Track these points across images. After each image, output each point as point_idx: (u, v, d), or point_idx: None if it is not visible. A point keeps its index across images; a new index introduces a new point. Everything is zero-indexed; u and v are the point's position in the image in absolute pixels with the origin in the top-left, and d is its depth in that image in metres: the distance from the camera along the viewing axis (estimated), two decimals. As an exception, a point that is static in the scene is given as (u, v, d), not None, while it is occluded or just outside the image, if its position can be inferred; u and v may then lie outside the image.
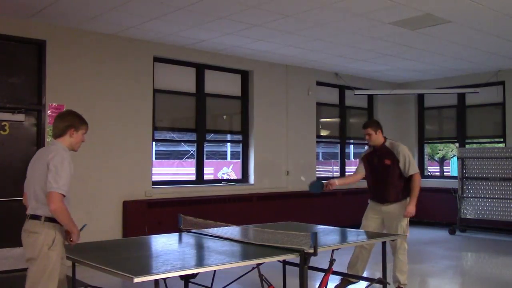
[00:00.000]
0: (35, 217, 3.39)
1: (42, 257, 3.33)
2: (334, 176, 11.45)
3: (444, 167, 20.98)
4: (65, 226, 3.43)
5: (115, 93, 7.23)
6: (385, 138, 5.44)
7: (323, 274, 4.30)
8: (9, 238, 5.86)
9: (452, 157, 18.96)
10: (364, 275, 5.43)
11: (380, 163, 5.34)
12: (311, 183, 5.50)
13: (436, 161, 20.97)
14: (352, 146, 11.79)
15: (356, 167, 5.77)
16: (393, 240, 5.14)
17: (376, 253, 5.35)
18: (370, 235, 4.90)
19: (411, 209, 5.19)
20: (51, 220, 3.38)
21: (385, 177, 5.31)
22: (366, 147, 11.24)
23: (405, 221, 5.28)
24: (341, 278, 5.48)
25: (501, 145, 10.05)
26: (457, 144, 10.79)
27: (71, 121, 3.58)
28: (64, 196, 3.34)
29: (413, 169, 5.27)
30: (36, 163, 3.51)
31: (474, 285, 6.18)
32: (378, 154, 5.38)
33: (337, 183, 5.46)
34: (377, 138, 5.36)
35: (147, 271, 3.10)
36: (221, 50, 8.18)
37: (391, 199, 5.28)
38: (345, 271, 5.35)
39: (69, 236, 3.48)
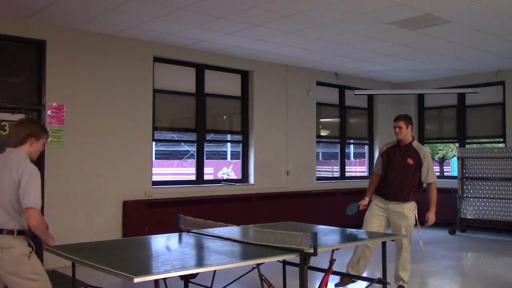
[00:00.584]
0: (7, 231, 3.31)
1: (25, 265, 3.31)
2: (334, 176, 11.44)
3: (444, 167, 20.98)
4: (42, 237, 3.44)
5: (115, 93, 7.23)
6: (413, 138, 5.39)
7: (323, 274, 4.30)
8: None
9: (452, 157, 18.96)
10: (364, 275, 5.43)
11: (403, 161, 5.26)
12: (348, 207, 5.41)
13: (436, 161, 20.96)
14: (352, 146, 11.79)
15: (375, 164, 5.64)
16: (393, 240, 5.15)
17: (376, 253, 5.35)
18: (371, 235, 4.89)
19: (433, 217, 5.26)
20: (22, 233, 3.38)
21: (403, 176, 5.24)
22: (367, 147, 11.35)
23: (412, 223, 5.26)
24: (341, 278, 5.48)
25: (501, 145, 10.05)
26: (457, 144, 10.79)
27: (32, 129, 3.51)
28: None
29: (433, 177, 5.30)
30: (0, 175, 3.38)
31: (474, 285, 6.18)
32: (403, 151, 5.31)
33: (368, 199, 5.41)
34: (407, 133, 5.29)
35: (147, 271, 3.10)
36: (221, 50, 8.18)
37: (401, 199, 5.25)
38: (344, 271, 5.34)
39: (44, 243, 3.51)
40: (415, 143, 5.38)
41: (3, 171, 3.37)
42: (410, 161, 5.24)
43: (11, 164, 3.36)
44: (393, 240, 5.17)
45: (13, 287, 3.31)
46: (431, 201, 5.30)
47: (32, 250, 3.39)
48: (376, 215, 5.36)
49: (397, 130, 5.28)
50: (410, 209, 5.27)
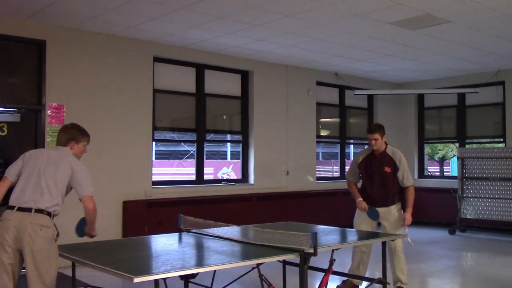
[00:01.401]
0: (46, 212, 3.64)
1: (53, 247, 3.63)
2: (334, 176, 11.44)
3: (444, 167, 20.98)
4: (90, 223, 3.85)
5: (115, 93, 7.23)
6: (386, 144, 5.43)
7: (323, 274, 4.30)
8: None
9: (452, 157, 18.96)
10: (365, 274, 5.43)
11: (380, 169, 5.33)
12: (370, 214, 5.40)
13: (436, 161, 20.97)
14: (352, 146, 11.78)
15: (349, 172, 5.67)
16: (392, 240, 5.15)
17: (376, 253, 5.35)
18: (370, 235, 4.90)
19: (409, 217, 5.25)
20: (54, 217, 3.74)
21: (383, 183, 5.33)
22: (367, 147, 11.31)
23: (401, 221, 5.32)
24: (343, 282, 5.49)
25: (501, 145, 10.05)
26: (457, 144, 10.79)
27: (71, 134, 3.99)
28: None
29: (410, 181, 5.36)
30: (52, 161, 3.76)
31: (474, 285, 6.19)
32: (379, 160, 5.35)
33: (361, 199, 5.44)
34: (382, 143, 5.34)
35: (147, 271, 3.10)
36: (221, 50, 8.18)
37: (388, 203, 5.34)
38: (345, 271, 5.35)
39: (88, 232, 3.91)
40: (389, 149, 5.40)
41: (57, 161, 3.78)
42: (387, 169, 5.31)
43: (65, 158, 3.83)
44: (393, 240, 5.18)
45: (39, 263, 3.54)
46: (408, 203, 5.32)
47: (58, 235, 3.75)
48: (367, 221, 5.39)
49: (373, 142, 5.31)
50: (397, 210, 5.36)
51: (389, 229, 5.29)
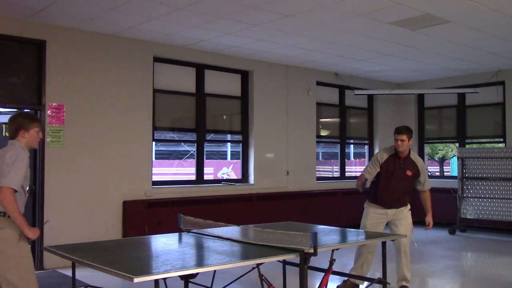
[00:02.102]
0: (2, 213, 3.48)
1: (14, 249, 3.47)
2: (334, 176, 11.44)
3: (444, 167, 20.97)
4: (13, 219, 3.48)
5: (115, 93, 7.23)
6: (409, 149, 5.44)
7: (323, 274, 4.29)
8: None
9: (452, 157, 18.95)
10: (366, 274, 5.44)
11: (402, 173, 5.33)
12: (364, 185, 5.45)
13: (436, 161, 20.96)
14: (352, 146, 11.79)
15: (369, 169, 5.50)
16: (393, 240, 5.16)
17: (376, 253, 5.35)
18: (370, 235, 4.90)
19: (432, 221, 5.45)
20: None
21: (402, 186, 5.36)
22: (367, 147, 11.34)
23: (411, 225, 5.40)
24: (344, 282, 5.48)
25: (501, 145, 10.05)
26: (457, 144, 10.79)
27: (19, 123, 3.71)
28: (16, 191, 3.45)
29: (429, 185, 5.48)
30: (1, 159, 3.56)
31: (474, 285, 6.18)
32: (403, 163, 5.35)
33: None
34: (408, 146, 5.34)
35: (147, 271, 3.10)
36: (221, 50, 8.18)
37: (400, 205, 5.40)
38: (345, 271, 5.35)
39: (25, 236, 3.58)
40: (413, 155, 5.47)
41: (2, 158, 3.54)
42: (409, 173, 5.35)
43: (6, 151, 3.58)
44: (393, 240, 5.18)
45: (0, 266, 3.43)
46: (428, 207, 5.47)
47: (21, 235, 3.52)
48: (379, 223, 5.40)
49: (399, 143, 5.27)
50: (407, 210, 5.44)
51: (402, 231, 5.29)
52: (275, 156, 9.14)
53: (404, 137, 5.26)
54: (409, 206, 5.46)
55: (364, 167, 5.79)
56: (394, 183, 5.34)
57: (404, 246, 5.27)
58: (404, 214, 5.38)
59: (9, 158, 3.47)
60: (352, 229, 5.15)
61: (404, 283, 5.29)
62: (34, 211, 6.53)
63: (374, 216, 5.41)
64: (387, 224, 5.50)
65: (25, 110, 6.49)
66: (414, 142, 11.25)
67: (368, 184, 5.47)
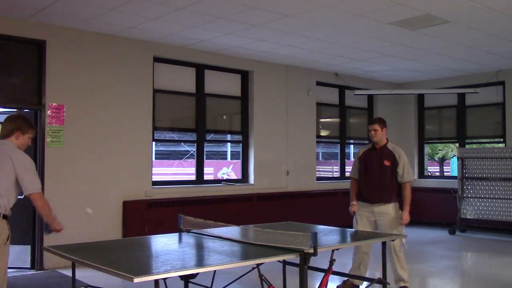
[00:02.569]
0: None
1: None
2: (334, 176, 11.44)
3: (444, 167, 20.99)
4: (46, 218, 3.74)
5: (115, 93, 7.23)
6: (387, 140, 5.45)
7: (323, 274, 4.29)
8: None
9: (452, 157, 18.96)
10: (365, 275, 5.43)
11: (379, 163, 5.35)
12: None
13: (436, 161, 20.97)
14: (352, 146, 11.79)
15: (352, 169, 5.72)
16: (392, 240, 5.15)
17: (376, 253, 5.35)
18: (371, 236, 4.89)
19: (407, 216, 5.26)
20: (5, 217, 3.56)
21: (381, 178, 5.33)
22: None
23: (399, 222, 5.32)
24: (344, 282, 5.48)
25: (501, 145, 10.05)
26: (457, 144, 10.79)
27: (18, 124, 3.79)
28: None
29: (410, 176, 5.37)
30: None
31: (474, 285, 6.18)
32: (379, 153, 5.39)
33: (355, 203, 5.48)
34: (382, 136, 5.37)
35: (147, 271, 3.10)
36: (221, 50, 8.18)
37: (384, 200, 5.33)
38: (345, 271, 5.35)
39: (51, 228, 3.79)
40: (390, 145, 5.45)
41: (1, 157, 3.60)
42: (386, 163, 5.33)
43: (6, 152, 3.63)
44: (392, 240, 5.17)
45: None
46: (405, 200, 5.33)
47: (8, 238, 3.62)
48: (366, 221, 5.41)
49: (372, 132, 5.36)
50: (394, 209, 5.36)
51: (386, 228, 5.29)
52: (275, 156, 9.14)
53: (376, 126, 5.33)
54: (397, 205, 5.37)
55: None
56: (373, 174, 5.37)
57: (394, 246, 5.24)
58: (390, 211, 5.31)
59: (25, 164, 3.61)
60: (352, 229, 5.16)
61: (401, 284, 5.28)
62: (35, 211, 6.52)
63: (360, 213, 5.43)
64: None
65: (25, 111, 6.50)
66: (414, 142, 11.29)
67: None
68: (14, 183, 3.62)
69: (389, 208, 5.32)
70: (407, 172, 5.33)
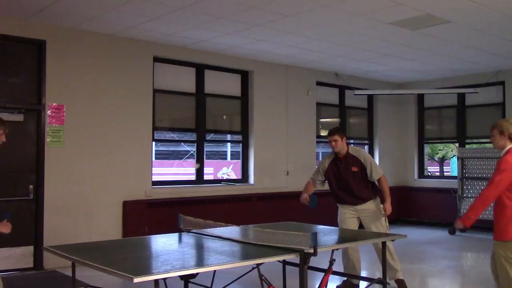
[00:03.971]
0: None
1: None
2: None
3: (444, 167, 20.98)
4: None
5: (115, 93, 7.23)
6: (347, 145, 5.51)
7: (323, 274, 4.30)
8: (9, 238, 5.86)
9: (452, 157, 18.95)
10: (364, 275, 5.44)
11: (347, 170, 5.40)
12: (311, 202, 5.52)
13: (436, 161, 20.96)
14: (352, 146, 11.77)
15: (314, 173, 5.85)
16: (392, 240, 5.16)
17: (374, 253, 5.36)
18: (370, 236, 4.89)
19: (389, 207, 5.30)
20: None
21: (354, 183, 5.40)
22: (366, 147, 11.35)
23: (383, 218, 5.38)
24: (344, 282, 5.49)
25: (501, 145, 10.04)
26: (457, 144, 10.78)
27: None
28: None
29: (378, 173, 5.41)
30: None
31: (474, 285, 6.18)
32: (345, 161, 5.43)
33: (306, 194, 5.61)
34: (343, 145, 5.42)
35: (147, 271, 3.10)
36: (221, 50, 8.18)
37: (363, 200, 5.41)
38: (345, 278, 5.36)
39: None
40: (352, 150, 5.50)
41: None
42: (354, 168, 5.39)
43: None
44: (393, 240, 5.18)
45: None
46: (385, 193, 5.38)
47: None
48: (348, 218, 5.47)
49: (333, 143, 5.38)
50: (375, 204, 5.44)
51: (369, 222, 5.37)
52: (275, 156, 9.14)
53: (336, 137, 5.36)
54: (377, 200, 5.45)
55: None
56: (345, 182, 5.43)
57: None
58: (372, 207, 5.39)
59: None
60: (352, 229, 5.15)
61: (397, 276, 5.29)
62: (35, 211, 6.52)
63: (344, 212, 5.51)
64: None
65: (23, 110, 6.50)
66: (414, 142, 11.28)
67: (314, 202, 5.47)
68: None
69: (371, 205, 5.42)
70: (375, 170, 5.38)
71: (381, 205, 5.40)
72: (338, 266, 4.56)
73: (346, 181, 5.42)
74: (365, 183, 5.42)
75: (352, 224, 5.43)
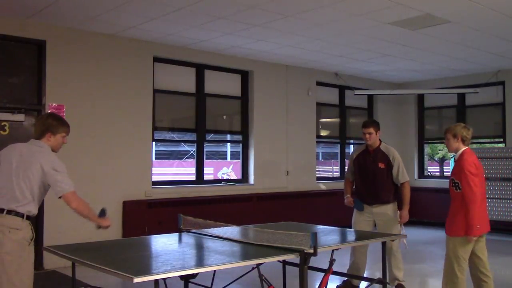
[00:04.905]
0: (17, 213, 3.44)
1: (25, 251, 3.46)
2: (334, 176, 11.44)
3: (444, 167, 20.97)
4: (87, 218, 3.72)
5: (115, 93, 7.23)
6: (380, 141, 5.44)
7: (323, 274, 4.29)
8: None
9: (452, 157, 18.94)
10: (364, 275, 5.43)
11: (374, 166, 5.33)
12: (355, 206, 5.46)
13: (436, 161, 20.96)
14: (352, 146, 11.78)
15: (347, 170, 5.75)
16: (392, 240, 5.15)
17: (376, 253, 5.35)
18: (370, 236, 4.89)
19: (406, 215, 5.24)
20: (29, 218, 3.51)
21: (378, 180, 5.31)
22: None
23: (397, 222, 5.30)
24: (344, 282, 5.48)
25: (501, 145, 10.05)
26: (456, 144, 10.76)
27: (47, 125, 3.67)
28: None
29: (404, 177, 5.33)
30: (24, 159, 3.54)
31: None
32: (373, 156, 5.36)
33: (349, 195, 5.48)
34: (376, 138, 5.35)
35: (147, 271, 3.10)
36: (221, 50, 8.18)
37: (382, 201, 5.31)
38: (344, 271, 5.35)
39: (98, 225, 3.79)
40: (383, 146, 5.42)
41: (29, 158, 3.53)
42: (381, 165, 5.30)
43: (36, 154, 3.57)
44: (393, 240, 5.17)
45: (8, 267, 3.37)
46: (404, 200, 5.30)
47: (32, 238, 3.53)
48: (364, 220, 5.40)
49: (367, 136, 5.32)
50: (393, 210, 5.33)
51: (383, 228, 5.29)
52: (275, 156, 9.14)
53: (371, 129, 5.29)
54: (395, 205, 5.35)
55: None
56: (368, 177, 5.35)
57: (392, 246, 5.22)
58: (388, 211, 5.30)
59: (53, 165, 3.59)
60: (351, 229, 5.16)
61: (397, 282, 5.28)
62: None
63: (359, 213, 5.42)
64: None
65: (23, 110, 6.49)
66: (414, 142, 11.28)
67: (360, 205, 5.40)
68: (40, 185, 3.56)
69: (388, 209, 5.31)
70: (402, 173, 5.30)
71: (398, 212, 5.30)
72: (338, 266, 4.55)
73: (370, 176, 5.32)
74: (389, 185, 5.31)
75: (365, 228, 5.33)
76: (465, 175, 4.32)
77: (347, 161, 10.87)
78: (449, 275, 4.33)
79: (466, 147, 4.54)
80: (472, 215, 4.21)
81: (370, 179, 5.34)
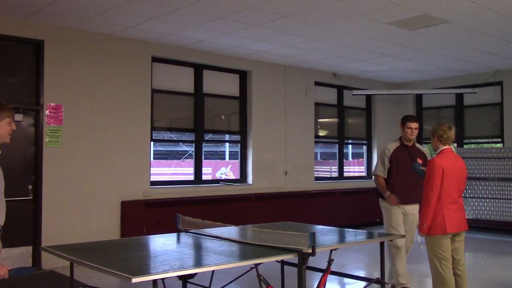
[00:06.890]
0: None
1: None
2: (332, 176, 11.44)
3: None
4: None
5: (113, 93, 7.22)
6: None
7: (321, 274, 4.29)
8: (8, 238, 5.84)
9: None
10: (362, 275, 5.43)
11: (413, 160, 5.21)
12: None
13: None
14: (350, 146, 11.79)
15: (379, 166, 5.44)
16: (391, 240, 5.14)
17: (376, 253, 5.34)
18: (370, 236, 4.89)
19: None
20: None
21: (415, 176, 5.11)
22: (365, 147, 11.34)
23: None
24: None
25: (499, 145, 10.07)
26: (455, 144, 10.79)
27: None
28: None
29: None
30: None
31: (474, 285, 6.18)
32: (411, 152, 5.31)
33: (390, 193, 5.28)
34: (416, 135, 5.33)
35: (145, 271, 3.10)
36: (219, 50, 8.17)
37: (416, 199, 5.21)
38: (343, 271, 5.35)
39: None
40: (417, 144, 5.45)
41: None
42: (419, 160, 5.23)
43: None
44: (391, 240, 5.16)
45: None
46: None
47: None
48: (401, 219, 5.27)
49: (414, 131, 5.28)
50: (418, 209, 5.28)
51: (412, 227, 5.21)
52: (273, 156, 9.14)
53: (417, 125, 5.32)
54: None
55: (363, 167, 5.75)
56: (405, 173, 5.21)
57: (407, 249, 5.21)
58: (417, 212, 5.22)
59: None
60: (350, 229, 5.15)
61: (403, 285, 5.26)
62: (34, 211, 6.51)
63: (398, 214, 5.25)
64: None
65: (21, 110, 6.48)
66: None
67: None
68: None
69: (417, 208, 5.25)
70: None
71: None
72: (336, 266, 4.55)
73: (407, 171, 5.16)
74: (422, 183, 5.15)
75: (402, 227, 5.22)
76: (427, 175, 4.39)
77: (345, 161, 10.97)
78: (435, 275, 4.44)
79: (446, 147, 4.51)
80: (424, 213, 4.34)
81: (408, 175, 5.17)
